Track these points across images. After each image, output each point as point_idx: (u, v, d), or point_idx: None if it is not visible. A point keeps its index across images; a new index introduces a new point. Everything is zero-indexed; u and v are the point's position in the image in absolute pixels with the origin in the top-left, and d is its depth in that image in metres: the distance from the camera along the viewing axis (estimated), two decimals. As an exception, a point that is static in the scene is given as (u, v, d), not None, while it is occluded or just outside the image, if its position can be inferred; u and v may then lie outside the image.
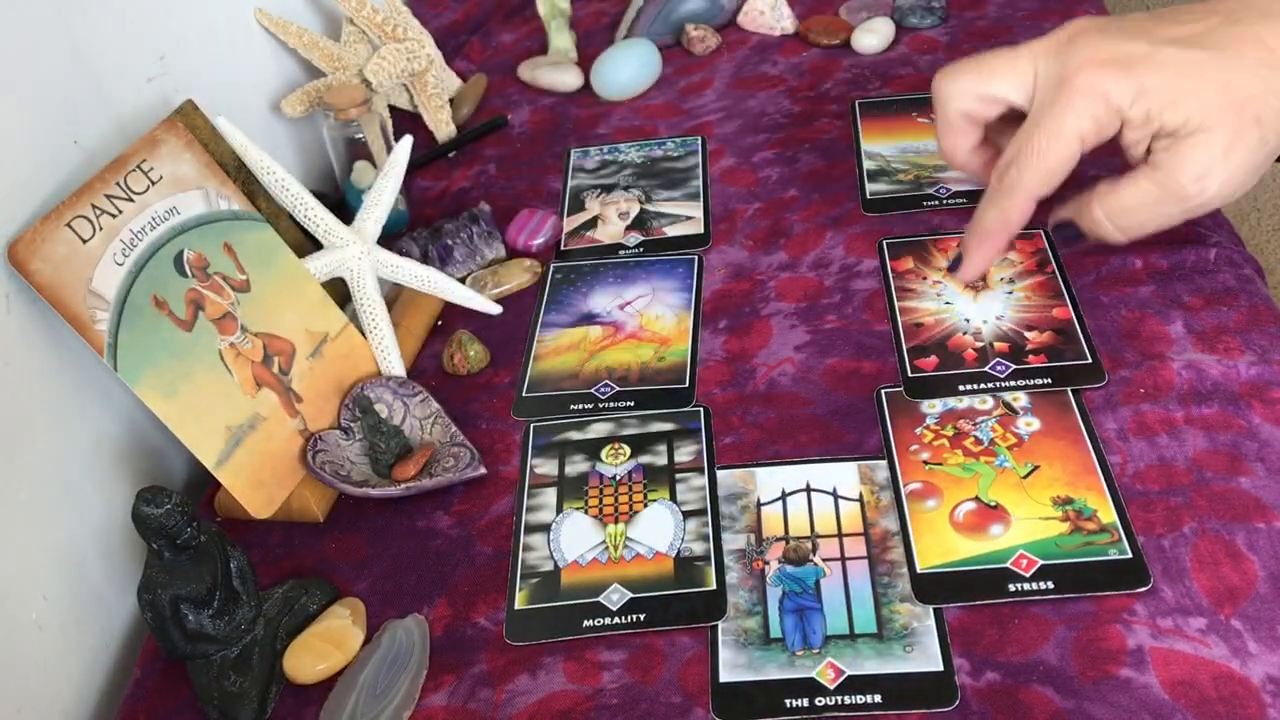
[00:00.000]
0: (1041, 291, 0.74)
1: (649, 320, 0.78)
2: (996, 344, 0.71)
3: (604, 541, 0.64)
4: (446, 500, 0.69)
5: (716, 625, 0.59)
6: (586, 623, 0.60)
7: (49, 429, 0.64)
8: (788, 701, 0.55)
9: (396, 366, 0.75)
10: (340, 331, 0.74)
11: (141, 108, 0.75)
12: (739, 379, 0.73)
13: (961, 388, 0.69)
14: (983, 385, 0.68)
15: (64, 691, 0.63)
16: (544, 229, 0.87)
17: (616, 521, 0.65)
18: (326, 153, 0.96)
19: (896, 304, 0.75)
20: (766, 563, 0.62)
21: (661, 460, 0.68)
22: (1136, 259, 0.74)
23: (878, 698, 0.55)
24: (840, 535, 0.62)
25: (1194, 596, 0.56)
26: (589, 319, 0.79)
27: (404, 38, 0.97)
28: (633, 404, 0.72)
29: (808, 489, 0.65)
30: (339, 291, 0.77)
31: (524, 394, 0.75)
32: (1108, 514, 0.60)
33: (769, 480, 0.66)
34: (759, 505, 0.65)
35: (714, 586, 0.61)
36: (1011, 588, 0.58)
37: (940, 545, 0.61)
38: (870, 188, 0.86)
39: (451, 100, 1.03)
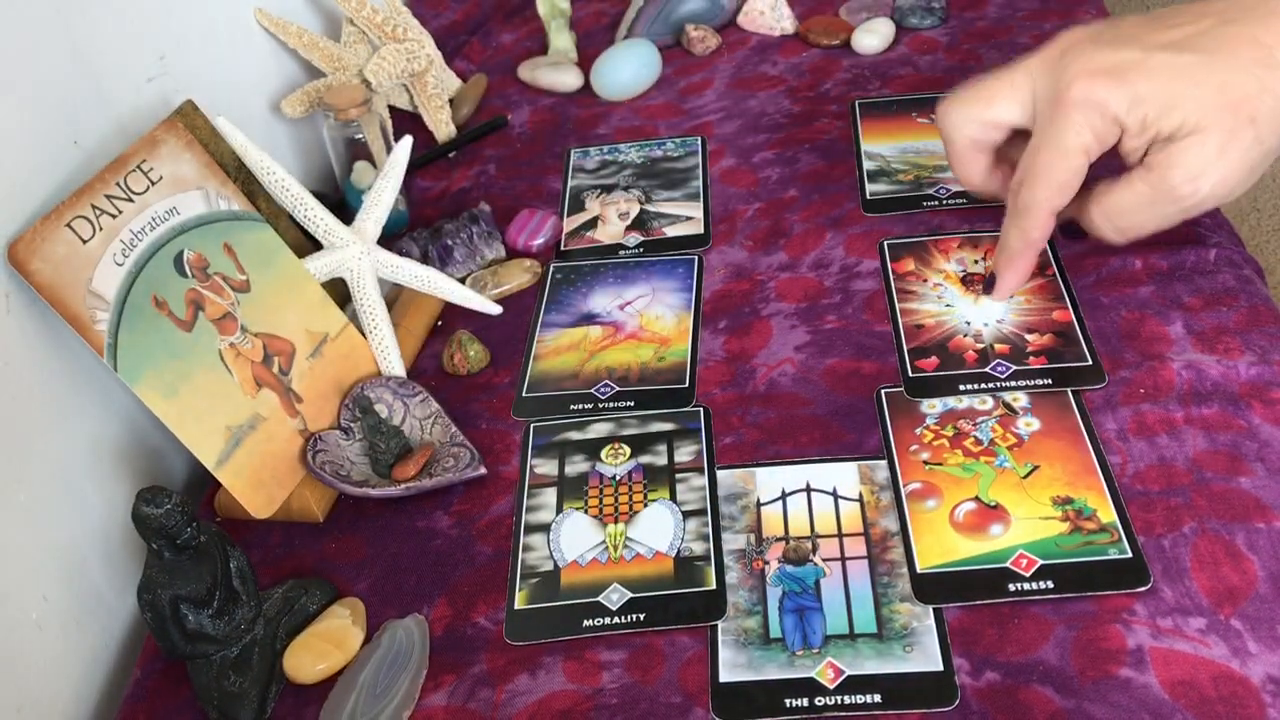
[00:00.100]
0: (1042, 294, 0.74)
1: (649, 320, 0.78)
2: (997, 346, 0.71)
3: (604, 541, 0.64)
4: (446, 500, 0.69)
5: (716, 625, 0.59)
6: (586, 622, 0.60)
7: (49, 429, 0.64)
8: (787, 701, 0.55)
9: (396, 366, 0.75)
10: (340, 331, 0.74)
11: (141, 108, 0.75)
12: (739, 379, 0.73)
13: (962, 388, 0.69)
14: (983, 385, 0.69)
15: (64, 691, 0.63)
16: (544, 229, 0.87)
17: (616, 521, 0.65)
18: (326, 153, 0.96)
19: (897, 305, 0.75)
20: (766, 563, 0.62)
21: (661, 460, 0.68)
22: (1136, 260, 0.74)
23: (877, 698, 0.55)
24: (840, 535, 0.62)
25: (1194, 596, 0.56)
26: (589, 319, 0.79)
27: (404, 38, 0.97)
28: (633, 404, 0.72)
29: (808, 489, 0.65)
30: (339, 291, 0.77)
31: (524, 394, 0.75)
32: (1107, 514, 0.60)
33: (769, 480, 0.66)
34: (759, 505, 0.65)
35: (714, 586, 0.61)
36: (1011, 587, 0.58)
37: (940, 545, 0.61)
38: (870, 188, 0.86)
39: (451, 100, 1.03)
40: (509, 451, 0.71)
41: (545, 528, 0.66)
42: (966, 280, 0.76)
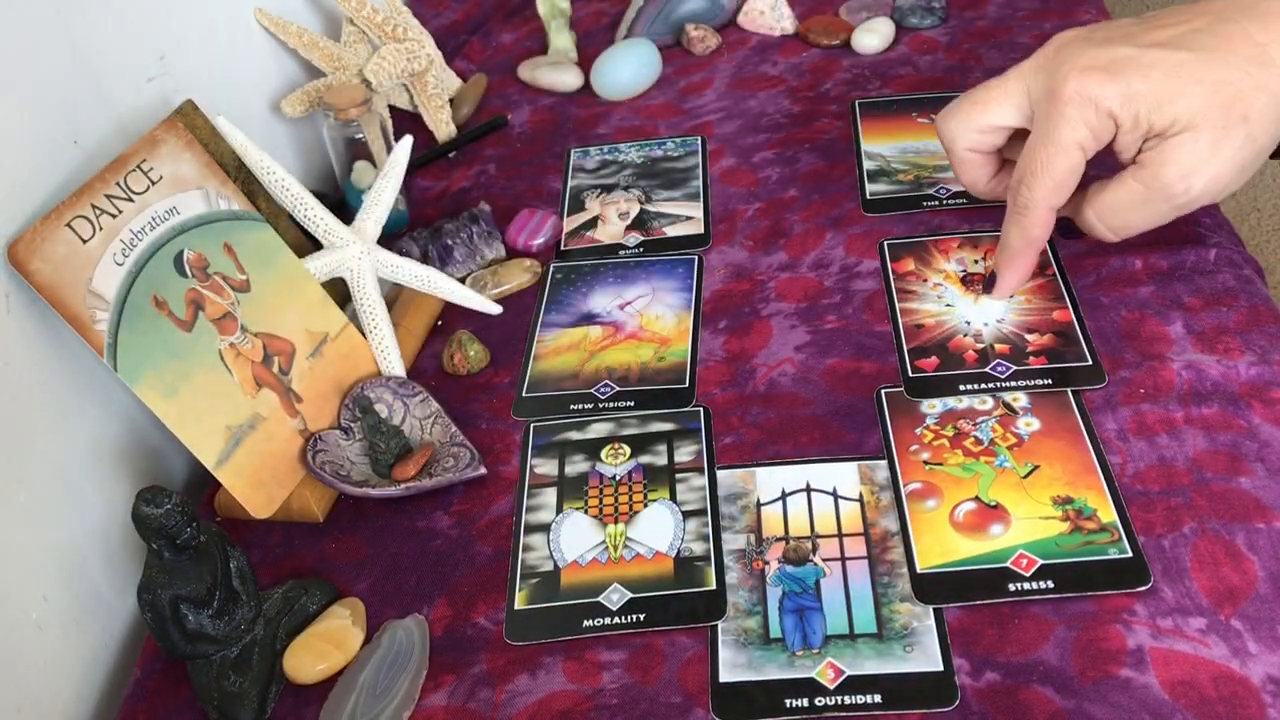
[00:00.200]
0: (1042, 294, 0.74)
1: (649, 320, 0.78)
2: (997, 346, 0.71)
3: (604, 541, 0.64)
4: (446, 500, 0.69)
5: (716, 625, 0.59)
6: (586, 623, 0.60)
7: (49, 429, 0.64)
8: (788, 701, 0.55)
9: (396, 366, 0.75)
10: (340, 331, 0.74)
11: (141, 108, 0.75)
12: (739, 379, 0.73)
13: (962, 388, 0.69)
14: (983, 385, 0.69)
15: (64, 691, 0.63)
16: (544, 229, 0.87)
17: (616, 521, 0.65)
18: (326, 153, 0.96)
19: (897, 305, 0.75)
20: (766, 563, 0.62)
21: (661, 460, 0.68)
22: (1136, 260, 0.74)
23: (877, 698, 0.55)
24: (840, 535, 0.62)
25: (1194, 596, 0.56)
26: (589, 319, 0.79)
27: (404, 38, 0.97)
28: (633, 404, 0.72)
29: (808, 489, 0.65)
30: (339, 291, 0.77)
31: (524, 394, 0.75)
32: (1108, 514, 0.60)
33: (769, 480, 0.66)
34: (759, 505, 0.65)
35: (714, 586, 0.61)
36: (1011, 587, 0.58)
37: (940, 545, 0.61)
38: (870, 188, 0.86)
39: (451, 100, 1.03)
40: (509, 451, 0.71)
41: (545, 528, 0.66)
42: (966, 280, 0.76)
